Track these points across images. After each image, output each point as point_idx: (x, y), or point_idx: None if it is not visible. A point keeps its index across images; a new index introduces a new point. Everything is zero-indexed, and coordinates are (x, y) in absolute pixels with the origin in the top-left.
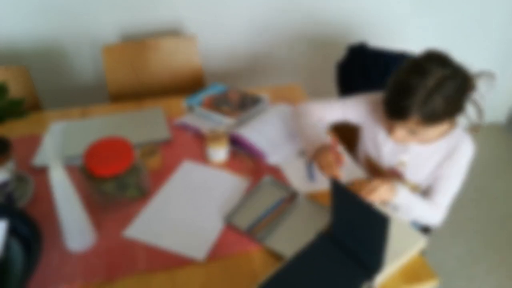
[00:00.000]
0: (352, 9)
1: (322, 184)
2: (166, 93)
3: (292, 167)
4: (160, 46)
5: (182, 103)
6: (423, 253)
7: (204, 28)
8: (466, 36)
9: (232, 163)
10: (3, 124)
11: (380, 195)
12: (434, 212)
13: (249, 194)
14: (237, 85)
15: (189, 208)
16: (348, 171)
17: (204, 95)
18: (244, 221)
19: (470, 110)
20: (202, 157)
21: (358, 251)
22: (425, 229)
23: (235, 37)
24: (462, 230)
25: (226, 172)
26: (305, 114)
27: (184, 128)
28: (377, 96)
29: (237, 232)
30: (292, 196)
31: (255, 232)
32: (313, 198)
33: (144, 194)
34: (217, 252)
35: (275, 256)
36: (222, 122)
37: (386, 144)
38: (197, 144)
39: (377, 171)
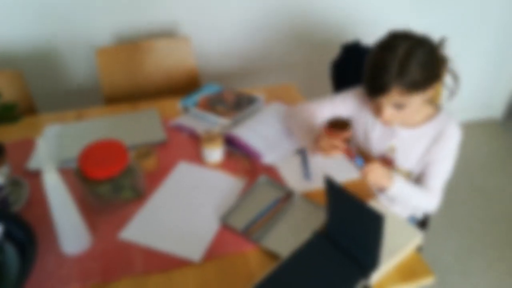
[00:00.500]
0: (346, 8)
1: (317, 183)
2: (161, 95)
3: (288, 166)
4: (154, 48)
5: (177, 104)
6: (419, 249)
7: (199, 29)
8: (462, 34)
9: (227, 164)
10: None
11: (376, 176)
12: (429, 198)
13: (245, 194)
14: (232, 85)
15: (185, 209)
16: (343, 171)
17: (199, 96)
18: (240, 221)
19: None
20: (198, 158)
21: (353, 249)
22: (421, 224)
23: (230, 37)
24: (458, 226)
25: (221, 173)
26: (296, 115)
27: (179, 129)
28: (360, 89)
29: (233, 232)
30: (288, 196)
31: (251, 232)
32: (309, 197)
33: (139, 196)
34: (213, 253)
35: (271, 256)
36: (217, 122)
37: (374, 131)
38: (192, 145)
39: (369, 161)
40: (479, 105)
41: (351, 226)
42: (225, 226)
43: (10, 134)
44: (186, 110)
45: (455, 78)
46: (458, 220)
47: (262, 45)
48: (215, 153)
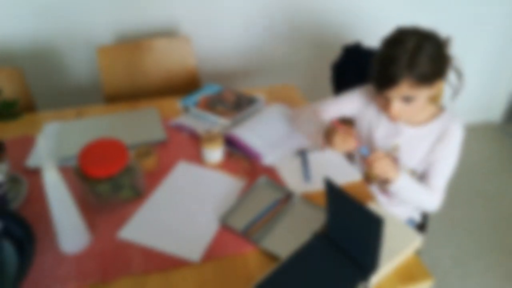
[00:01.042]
0: (347, 9)
1: (317, 184)
2: (161, 94)
3: (288, 167)
4: (155, 47)
5: (177, 103)
6: (418, 252)
7: (199, 29)
8: (462, 35)
9: (227, 164)
10: None
11: (383, 167)
12: (431, 197)
13: (245, 194)
14: (232, 85)
15: (184, 209)
16: (343, 173)
17: (199, 96)
18: (239, 222)
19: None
20: (198, 158)
21: (353, 251)
22: (420, 227)
23: (230, 37)
24: (456, 229)
25: (221, 173)
26: (302, 115)
27: (179, 128)
28: (368, 87)
29: (232, 233)
30: (287, 197)
31: (250, 233)
32: (308, 198)
33: (139, 195)
34: (212, 253)
35: (271, 257)
36: (218, 122)
37: (378, 129)
38: (192, 145)
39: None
40: (479, 108)
41: (350, 228)
42: (225, 226)
43: (9, 131)
44: (186, 109)
45: (460, 76)
46: (457, 223)
47: (262, 46)
48: (215, 153)
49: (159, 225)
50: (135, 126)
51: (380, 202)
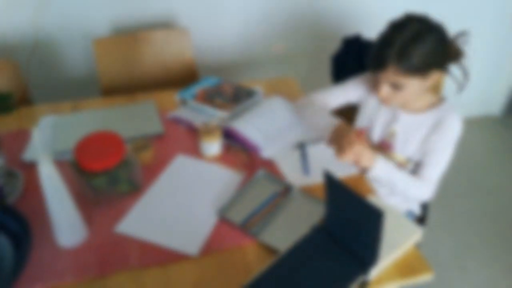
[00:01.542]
0: (347, 1)
1: (316, 177)
2: (158, 87)
3: (287, 160)
4: (152, 39)
5: (175, 96)
6: (417, 245)
7: (197, 21)
8: (463, 27)
9: (225, 157)
10: None
11: (355, 152)
12: (420, 187)
13: (243, 188)
14: (231, 78)
15: (182, 203)
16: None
17: (197, 88)
18: (238, 215)
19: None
20: (196, 151)
21: (352, 244)
22: (420, 220)
23: (229, 29)
24: (456, 222)
25: (219, 166)
26: (308, 105)
27: (177, 121)
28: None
29: (231, 226)
30: (286, 190)
31: (249, 226)
32: (307, 191)
33: (136, 189)
34: (211, 247)
35: (269, 250)
36: (216, 115)
37: (379, 115)
38: (190, 138)
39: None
40: (478, 101)
41: (350, 221)
42: (223, 220)
43: (5, 124)
44: (184, 102)
45: (465, 74)
46: (456, 216)
47: (261, 38)
48: (213, 146)
49: (157, 219)
50: (132, 119)
51: (379, 194)
